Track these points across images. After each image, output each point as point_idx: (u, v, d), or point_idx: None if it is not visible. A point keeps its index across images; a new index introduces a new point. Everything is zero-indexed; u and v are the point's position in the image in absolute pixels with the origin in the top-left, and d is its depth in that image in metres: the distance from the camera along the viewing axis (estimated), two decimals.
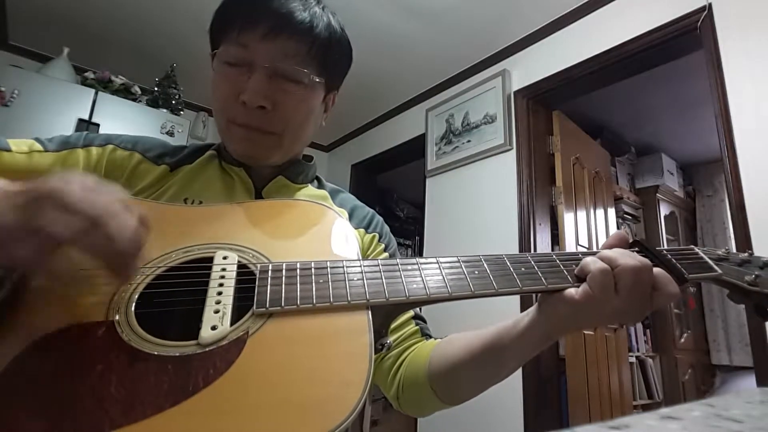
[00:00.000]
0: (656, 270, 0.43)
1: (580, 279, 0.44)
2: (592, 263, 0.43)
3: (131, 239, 0.35)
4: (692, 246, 0.50)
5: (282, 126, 0.59)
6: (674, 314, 3.27)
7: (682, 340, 3.31)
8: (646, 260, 0.42)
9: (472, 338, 0.52)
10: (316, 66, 0.59)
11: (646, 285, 0.42)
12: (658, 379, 3.06)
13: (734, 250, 0.50)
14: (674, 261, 0.46)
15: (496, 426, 1.89)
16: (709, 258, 0.48)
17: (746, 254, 0.48)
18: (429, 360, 0.56)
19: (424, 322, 0.66)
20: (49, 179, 0.34)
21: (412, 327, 0.63)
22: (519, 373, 1.86)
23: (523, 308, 1.89)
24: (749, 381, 3.28)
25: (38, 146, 0.54)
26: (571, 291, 0.43)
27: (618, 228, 2.97)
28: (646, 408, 2.79)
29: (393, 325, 0.62)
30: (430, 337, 0.64)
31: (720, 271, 0.47)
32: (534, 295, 0.45)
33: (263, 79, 0.56)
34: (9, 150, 0.50)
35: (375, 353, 0.37)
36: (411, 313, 0.64)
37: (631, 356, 2.83)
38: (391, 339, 0.61)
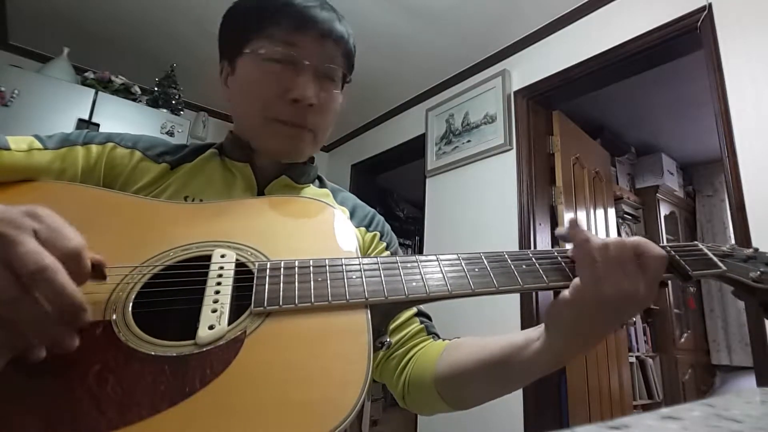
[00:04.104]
0: (634, 239, 0.42)
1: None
2: (579, 255, 0.43)
3: (63, 307, 0.30)
4: (696, 242, 0.49)
5: (320, 124, 0.62)
6: (674, 314, 3.27)
7: (682, 340, 3.30)
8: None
9: (481, 350, 0.51)
10: (345, 70, 0.64)
11: (627, 252, 0.41)
12: (658, 379, 3.06)
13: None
14: (678, 257, 0.45)
15: (496, 426, 1.89)
16: (714, 254, 0.47)
17: (751, 250, 0.46)
18: (437, 364, 0.55)
19: (429, 319, 0.65)
20: (10, 212, 0.32)
21: (416, 325, 0.63)
22: None
23: (523, 306, 1.89)
24: (749, 381, 3.28)
25: (38, 144, 0.54)
26: (564, 293, 0.43)
27: (618, 228, 2.97)
28: (646, 408, 2.79)
29: (396, 324, 0.62)
30: (437, 335, 0.63)
31: (724, 267, 0.45)
32: (535, 293, 0.45)
33: (313, 78, 0.59)
34: (8, 149, 0.50)
35: (374, 351, 0.37)
36: (414, 310, 0.64)
37: (631, 356, 2.83)
38: (391, 338, 0.60)
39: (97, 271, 0.37)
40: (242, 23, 0.61)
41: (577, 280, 0.42)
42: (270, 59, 0.58)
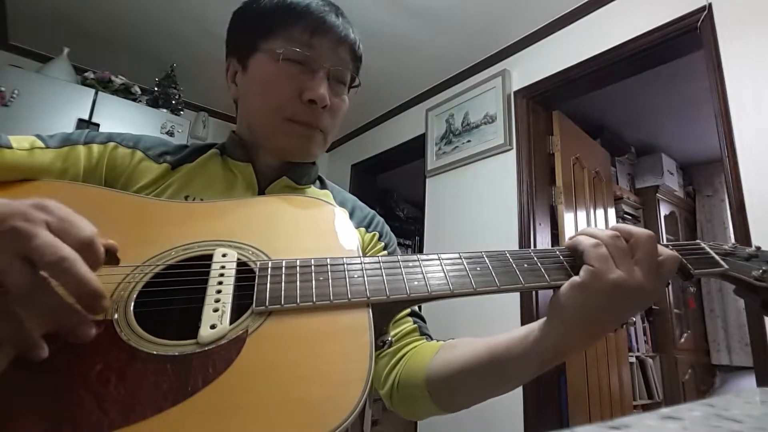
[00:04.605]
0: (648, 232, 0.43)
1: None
2: (584, 241, 0.43)
3: (84, 295, 0.31)
4: (698, 240, 0.49)
5: (330, 126, 0.64)
6: (674, 314, 3.27)
7: (682, 340, 3.30)
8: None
9: (480, 346, 0.51)
10: (352, 75, 0.66)
11: (653, 250, 0.42)
12: (658, 379, 3.06)
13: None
14: (680, 256, 0.45)
15: (496, 426, 1.89)
16: (716, 253, 0.47)
17: (753, 249, 0.47)
18: (430, 362, 0.55)
19: (423, 320, 0.65)
20: (20, 206, 0.32)
21: (409, 325, 0.63)
22: None
23: (523, 305, 1.89)
24: (749, 381, 3.28)
25: (39, 143, 0.54)
26: (575, 277, 0.42)
27: None
28: (646, 408, 2.79)
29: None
30: (430, 337, 0.63)
31: (726, 266, 0.45)
32: (535, 293, 0.45)
33: (326, 80, 0.60)
34: (10, 147, 0.50)
35: (375, 350, 0.37)
36: (408, 310, 0.63)
37: (631, 356, 2.83)
38: (391, 336, 0.60)
39: (111, 257, 0.37)
40: (258, 22, 0.62)
41: (588, 268, 0.42)
42: (288, 59, 0.59)
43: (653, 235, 0.42)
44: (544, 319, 0.46)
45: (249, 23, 0.63)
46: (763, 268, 0.44)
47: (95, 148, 0.58)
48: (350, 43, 0.63)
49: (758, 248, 0.47)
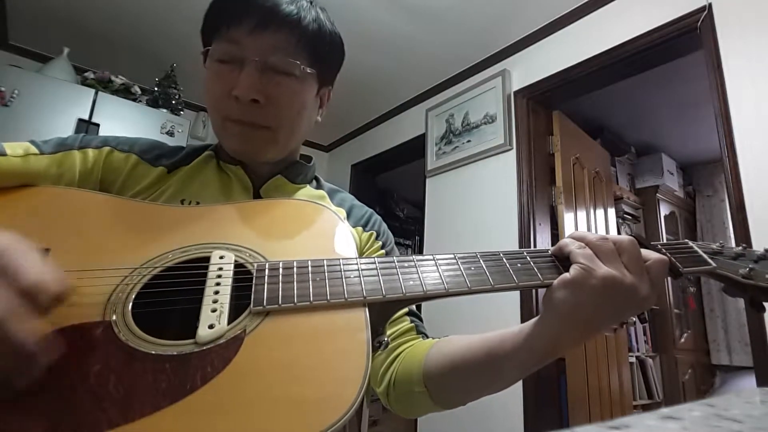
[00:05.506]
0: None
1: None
2: (570, 243, 0.45)
3: (11, 353, 0.29)
4: (686, 240, 0.50)
5: (276, 120, 0.59)
6: (674, 314, 3.27)
7: (682, 340, 3.30)
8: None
9: (474, 340, 0.51)
10: (306, 58, 0.60)
11: (637, 253, 0.43)
12: (658, 379, 3.06)
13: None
14: (669, 255, 0.46)
15: (496, 426, 1.89)
16: (704, 252, 0.48)
17: (740, 248, 0.48)
18: (426, 357, 0.55)
19: (420, 320, 0.65)
20: None
21: (406, 324, 0.63)
22: None
23: (522, 305, 1.89)
24: (749, 381, 3.28)
25: (34, 149, 0.54)
26: (565, 274, 0.43)
27: (618, 228, 2.97)
28: (646, 408, 2.79)
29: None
30: (426, 335, 0.63)
31: (714, 264, 0.47)
32: (534, 292, 0.46)
33: (254, 73, 0.56)
34: (4, 154, 0.50)
35: (372, 351, 0.37)
36: (405, 309, 0.63)
37: (631, 356, 2.83)
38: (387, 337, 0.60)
39: (60, 300, 0.33)
40: (204, 25, 0.61)
41: (575, 266, 0.43)
42: (217, 60, 0.58)
43: (634, 239, 0.44)
44: (539, 317, 0.46)
45: (201, 31, 0.62)
46: (750, 266, 0.45)
47: (90, 152, 0.58)
48: (277, 25, 0.56)
49: (744, 247, 0.48)
